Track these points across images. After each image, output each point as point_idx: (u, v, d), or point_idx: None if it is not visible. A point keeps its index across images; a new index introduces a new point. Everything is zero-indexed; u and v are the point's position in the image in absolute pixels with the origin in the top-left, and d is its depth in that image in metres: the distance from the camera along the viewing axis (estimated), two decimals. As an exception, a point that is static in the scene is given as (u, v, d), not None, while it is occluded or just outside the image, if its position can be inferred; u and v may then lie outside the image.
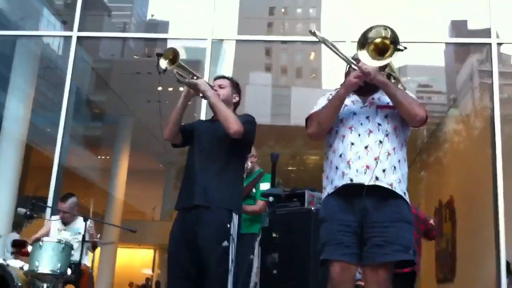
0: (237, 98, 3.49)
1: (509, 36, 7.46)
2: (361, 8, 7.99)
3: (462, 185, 10.94)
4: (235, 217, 3.16)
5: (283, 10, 13.40)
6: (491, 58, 6.96)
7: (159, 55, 3.06)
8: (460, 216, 10.69)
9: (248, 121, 3.27)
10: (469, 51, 9.14)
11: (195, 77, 3.26)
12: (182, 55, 3.09)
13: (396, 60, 2.91)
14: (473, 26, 8.62)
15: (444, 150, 12.80)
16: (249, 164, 4.53)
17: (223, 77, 3.55)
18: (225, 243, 3.05)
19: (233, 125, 3.14)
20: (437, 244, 11.89)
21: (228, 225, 3.10)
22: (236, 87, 3.52)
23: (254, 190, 4.65)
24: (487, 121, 7.58)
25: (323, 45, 2.69)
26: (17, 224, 8.14)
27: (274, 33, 11.99)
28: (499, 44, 7.15)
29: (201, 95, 3.30)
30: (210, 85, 3.32)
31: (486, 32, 7.16)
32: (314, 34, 2.67)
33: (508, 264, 6.32)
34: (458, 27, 8.72)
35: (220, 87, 3.42)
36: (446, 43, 8.92)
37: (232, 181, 3.25)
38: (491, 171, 6.53)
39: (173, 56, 3.08)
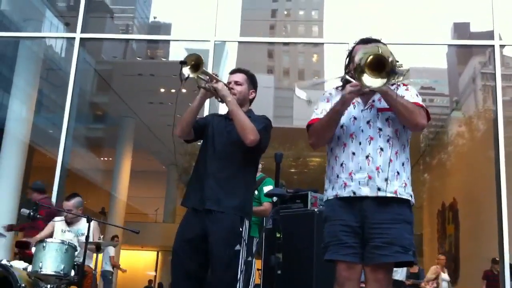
0: (253, 94, 3.40)
1: (512, 38, 7.45)
2: (363, 10, 7.99)
3: (465, 187, 10.93)
4: (246, 222, 3.15)
5: (285, 12, 13.39)
6: (494, 60, 6.95)
7: (183, 63, 3.02)
8: (463, 218, 10.68)
9: (264, 127, 3.21)
10: (472, 53, 9.14)
11: (214, 80, 3.16)
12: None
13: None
14: (475, 28, 8.62)
15: (447, 152, 12.79)
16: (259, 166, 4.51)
17: (239, 70, 3.43)
18: (237, 247, 3.04)
19: (250, 135, 3.08)
20: (441, 247, 11.88)
21: (240, 229, 3.09)
22: (252, 81, 3.41)
23: (256, 193, 4.64)
24: (490, 123, 7.58)
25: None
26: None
27: (277, 35, 11.98)
28: (502, 46, 7.15)
29: (219, 99, 3.20)
30: (227, 86, 3.23)
31: (489, 34, 7.15)
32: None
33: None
34: (461, 29, 8.72)
35: (237, 83, 3.32)
36: (449, 45, 8.92)
37: (245, 187, 3.20)
38: (494, 173, 6.53)
39: (195, 62, 3.02)
